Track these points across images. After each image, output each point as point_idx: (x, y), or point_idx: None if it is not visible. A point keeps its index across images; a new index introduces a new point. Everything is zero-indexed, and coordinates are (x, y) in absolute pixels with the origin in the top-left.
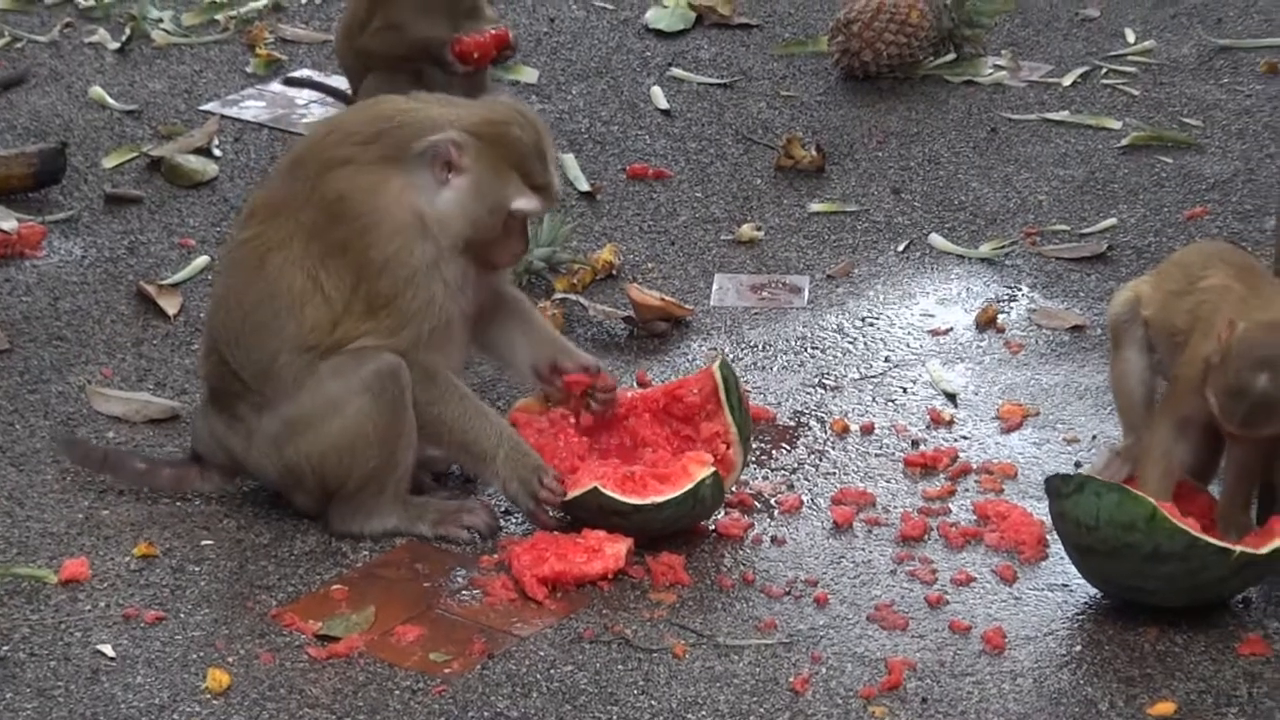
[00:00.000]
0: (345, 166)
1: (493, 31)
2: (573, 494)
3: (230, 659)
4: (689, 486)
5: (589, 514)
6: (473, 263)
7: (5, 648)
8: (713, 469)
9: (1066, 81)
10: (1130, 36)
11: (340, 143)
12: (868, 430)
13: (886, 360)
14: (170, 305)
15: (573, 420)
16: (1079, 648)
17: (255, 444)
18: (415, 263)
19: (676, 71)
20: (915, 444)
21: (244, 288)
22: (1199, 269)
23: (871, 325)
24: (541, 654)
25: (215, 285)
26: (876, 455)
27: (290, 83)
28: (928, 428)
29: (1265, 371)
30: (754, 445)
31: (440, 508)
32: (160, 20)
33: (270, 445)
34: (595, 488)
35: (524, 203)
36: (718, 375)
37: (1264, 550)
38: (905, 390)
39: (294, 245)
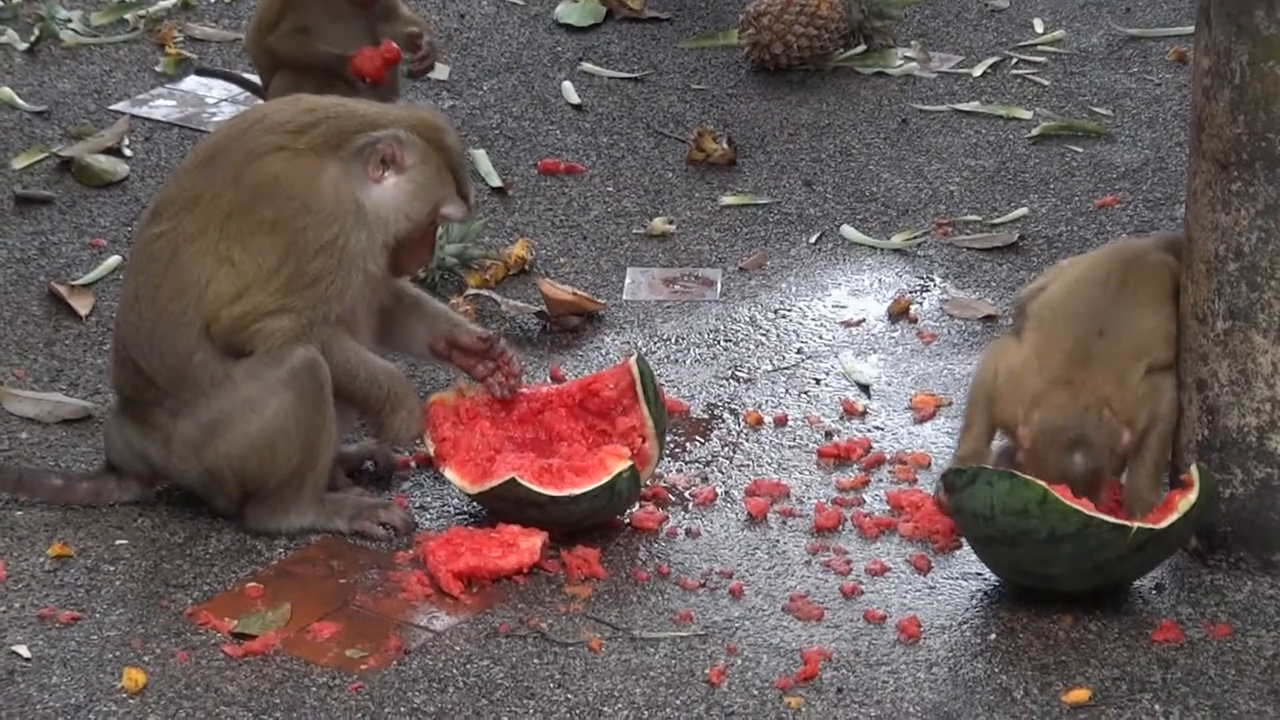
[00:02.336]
0: (277, 153)
1: (383, 50)
2: (489, 484)
3: (146, 658)
4: (606, 479)
5: (505, 506)
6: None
7: None
8: (630, 462)
9: (976, 72)
10: (1039, 26)
11: (269, 131)
12: (781, 422)
13: (799, 352)
14: (82, 306)
15: (487, 414)
16: (994, 636)
17: (174, 450)
18: (351, 249)
19: (587, 66)
20: (829, 435)
21: (155, 285)
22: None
23: (784, 317)
24: (458, 649)
25: (124, 287)
26: (790, 447)
27: (203, 73)
28: (841, 419)
29: (1077, 452)
30: (668, 438)
31: (356, 504)
32: (69, 20)
33: (189, 450)
34: (513, 479)
35: (452, 209)
36: (635, 370)
37: (1162, 525)
38: (818, 382)
39: (209, 233)
